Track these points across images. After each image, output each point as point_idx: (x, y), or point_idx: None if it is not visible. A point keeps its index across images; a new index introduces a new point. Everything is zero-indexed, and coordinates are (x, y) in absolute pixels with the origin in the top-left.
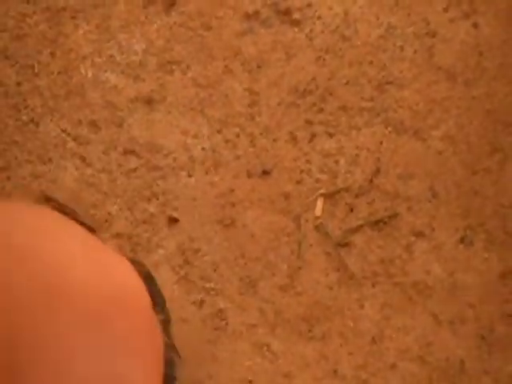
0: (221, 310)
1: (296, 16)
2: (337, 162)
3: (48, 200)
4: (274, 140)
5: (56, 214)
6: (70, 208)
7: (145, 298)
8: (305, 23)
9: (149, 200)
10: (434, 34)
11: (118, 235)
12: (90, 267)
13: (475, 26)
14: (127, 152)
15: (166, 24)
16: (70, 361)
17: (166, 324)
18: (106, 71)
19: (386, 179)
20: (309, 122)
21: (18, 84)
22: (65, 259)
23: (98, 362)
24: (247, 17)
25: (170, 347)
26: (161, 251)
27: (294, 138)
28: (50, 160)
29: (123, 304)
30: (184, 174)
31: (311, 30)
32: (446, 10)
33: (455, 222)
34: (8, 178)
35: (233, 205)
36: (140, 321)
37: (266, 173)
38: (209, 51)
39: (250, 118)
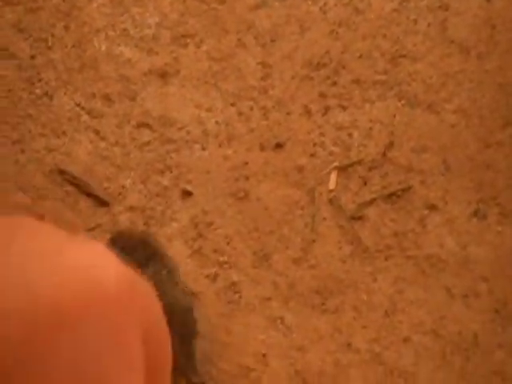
0: (234, 284)
1: None
2: (350, 135)
3: (62, 173)
4: (288, 113)
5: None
6: (83, 181)
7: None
8: None
9: (162, 173)
10: (447, 8)
11: (131, 208)
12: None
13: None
14: (141, 125)
15: None
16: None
17: (174, 272)
18: (119, 45)
19: (399, 152)
20: (322, 95)
21: (32, 57)
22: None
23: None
24: None
25: (182, 294)
26: (174, 224)
27: (307, 111)
28: (64, 133)
29: (100, 301)
30: (198, 147)
31: (325, 4)
32: None
33: (468, 196)
34: (22, 151)
35: (246, 178)
36: (119, 312)
37: (279, 146)
38: (222, 25)
39: (264, 92)
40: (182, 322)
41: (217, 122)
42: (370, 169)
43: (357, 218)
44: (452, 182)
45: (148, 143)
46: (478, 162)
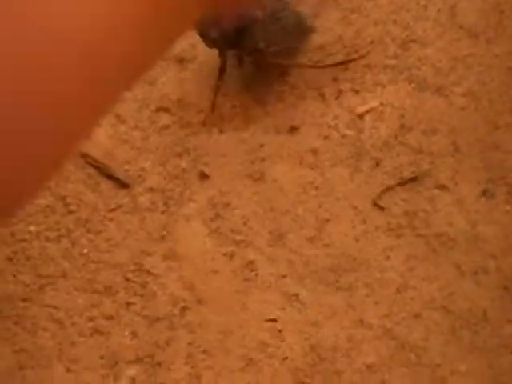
0: (251, 262)
1: None
2: (362, 118)
3: (84, 156)
4: (302, 97)
5: None
6: (104, 164)
7: None
8: None
9: (181, 156)
10: None
11: (150, 190)
12: None
13: None
14: (160, 109)
15: None
16: None
17: None
18: None
19: (409, 135)
20: (335, 80)
21: None
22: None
23: None
24: None
25: None
26: (192, 205)
27: (321, 95)
28: None
29: None
30: (215, 130)
31: None
32: None
33: (477, 176)
34: None
35: (262, 159)
36: None
37: (294, 129)
38: None
39: (279, 76)
40: None
41: (233, 106)
42: (381, 150)
43: (369, 198)
44: (461, 163)
45: (167, 126)
46: (487, 144)
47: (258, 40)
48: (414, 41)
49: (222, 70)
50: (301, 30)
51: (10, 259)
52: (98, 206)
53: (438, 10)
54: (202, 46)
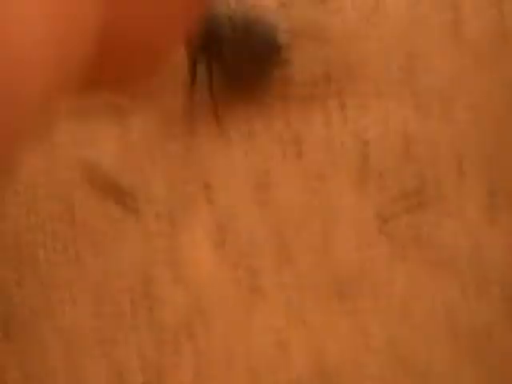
0: (258, 286)
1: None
2: (367, 142)
3: (91, 180)
4: (307, 111)
5: None
6: (111, 186)
7: None
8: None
9: (186, 168)
10: (459, 8)
11: (157, 214)
12: None
13: (500, 2)
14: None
15: None
16: None
17: None
18: None
19: (414, 156)
20: (339, 93)
21: None
22: None
23: None
24: None
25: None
26: (198, 228)
27: (325, 108)
28: None
29: None
30: (220, 142)
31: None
32: None
33: (482, 197)
34: None
35: (267, 172)
36: None
37: (298, 143)
38: None
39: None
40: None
41: (237, 117)
42: (386, 173)
43: (374, 222)
44: (466, 184)
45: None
46: (492, 162)
47: (227, 57)
48: (417, 54)
49: (191, 76)
50: (271, 44)
51: (19, 284)
52: (105, 230)
53: (442, 26)
54: None
